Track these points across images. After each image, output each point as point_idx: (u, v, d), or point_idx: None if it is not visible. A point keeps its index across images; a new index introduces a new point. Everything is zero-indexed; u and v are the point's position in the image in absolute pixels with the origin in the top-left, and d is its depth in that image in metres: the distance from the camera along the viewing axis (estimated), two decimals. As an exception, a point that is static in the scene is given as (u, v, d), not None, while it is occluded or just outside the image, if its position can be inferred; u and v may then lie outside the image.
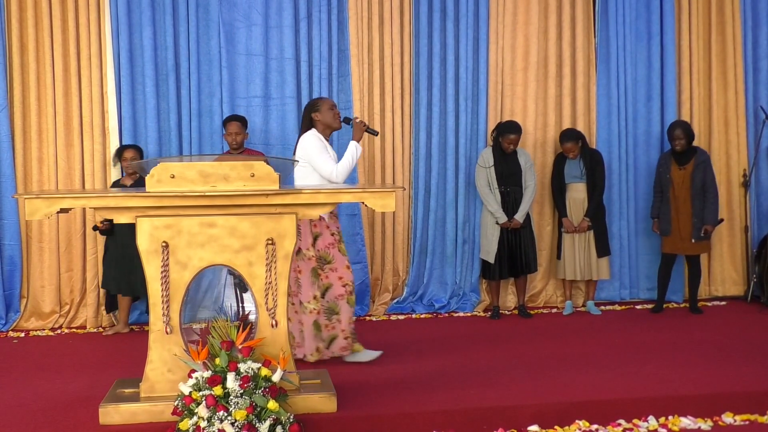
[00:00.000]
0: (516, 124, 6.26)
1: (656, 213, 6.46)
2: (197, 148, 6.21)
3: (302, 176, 4.75)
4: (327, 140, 4.86)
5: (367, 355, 4.83)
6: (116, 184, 5.89)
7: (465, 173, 6.58)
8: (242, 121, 5.92)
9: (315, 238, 4.71)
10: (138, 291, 5.68)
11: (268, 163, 3.81)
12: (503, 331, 5.83)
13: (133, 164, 5.60)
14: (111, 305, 6.01)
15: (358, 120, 4.85)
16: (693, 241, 6.30)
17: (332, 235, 4.75)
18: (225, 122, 5.94)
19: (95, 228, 5.93)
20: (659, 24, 6.82)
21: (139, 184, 5.65)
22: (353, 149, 4.73)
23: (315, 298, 4.70)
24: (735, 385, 4.26)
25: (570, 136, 6.32)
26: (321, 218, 4.69)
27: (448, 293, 6.60)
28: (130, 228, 5.54)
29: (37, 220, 5.76)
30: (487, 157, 6.26)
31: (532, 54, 6.66)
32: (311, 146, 4.70)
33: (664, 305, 6.57)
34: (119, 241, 5.73)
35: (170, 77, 6.18)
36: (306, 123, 4.87)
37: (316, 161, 4.68)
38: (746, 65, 6.94)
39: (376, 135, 5.05)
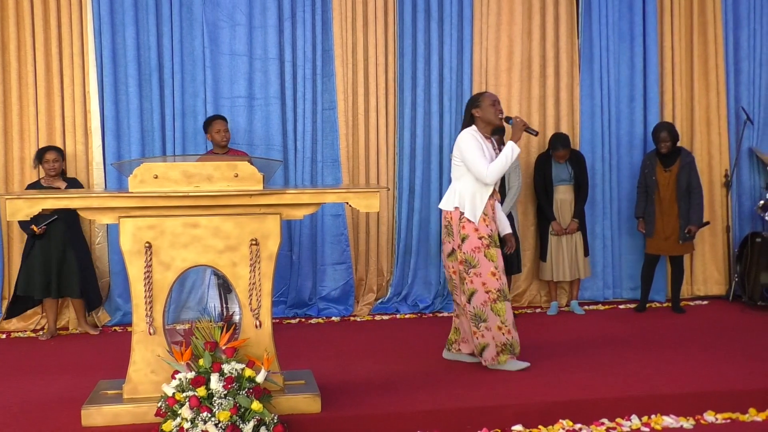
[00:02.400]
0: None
1: (641, 213, 6.48)
2: (181, 148, 6.18)
3: (458, 175, 4.66)
4: (488, 138, 4.70)
5: (515, 365, 4.63)
6: (35, 185, 5.71)
7: (449, 174, 6.55)
8: (226, 120, 5.89)
9: (462, 240, 4.60)
10: (72, 293, 5.69)
11: (251, 164, 3.81)
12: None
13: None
14: (17, 310, 5.86)
15: (518, 119, 4.66)
16: (680, 242, 6.33)
17: (480, 239, 4.57)
18: (210, 121, 5.85)
19: (32, 232, 5.63)
20: (642, 25, 6.86)
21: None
22: (509, 150, 4.55)
23: (461, 303, 4.67)
24: (717, 384, 4.29)
25: (565, 142, 6.27)
26: (470, 221, 4.57)
27: (432, 293, 6.60)
28: (59, 229, 5.54)
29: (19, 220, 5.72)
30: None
31: (516, 55, 6.68)
32: (465, 144, 4.57)
33: (647, 305, 6.62)
34: (48, 244, 5.64)
35: (153, 77, 6.14)
36: (467, 119, 4.72)
37: (469, 160, 4.55)
38: (728, 66, 6.99)
39: (536, 135, 4.84)
